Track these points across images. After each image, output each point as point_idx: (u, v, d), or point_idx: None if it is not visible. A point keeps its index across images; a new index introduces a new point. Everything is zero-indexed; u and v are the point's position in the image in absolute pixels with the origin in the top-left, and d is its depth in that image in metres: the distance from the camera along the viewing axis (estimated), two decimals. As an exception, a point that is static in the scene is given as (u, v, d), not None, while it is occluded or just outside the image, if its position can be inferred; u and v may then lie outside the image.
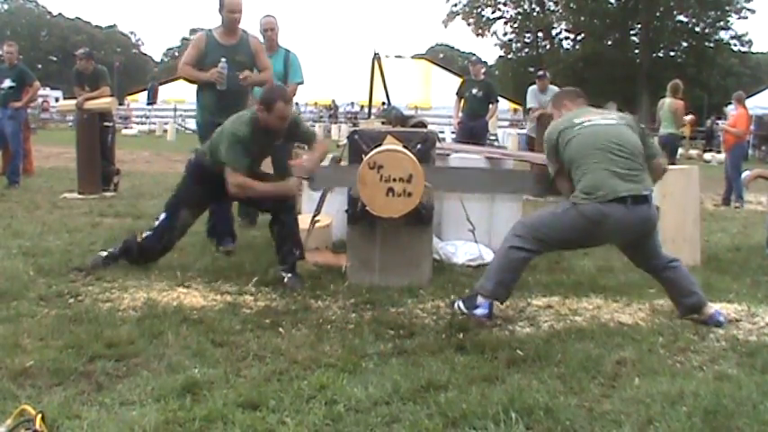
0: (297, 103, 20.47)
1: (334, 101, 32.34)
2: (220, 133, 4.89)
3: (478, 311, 4.08)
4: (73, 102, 10.00)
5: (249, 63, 5.89)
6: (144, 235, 5.09)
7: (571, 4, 45.99)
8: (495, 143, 20.40)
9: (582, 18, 46.26)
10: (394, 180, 4.51)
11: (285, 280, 4.78)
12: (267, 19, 7.08)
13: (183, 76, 5.95)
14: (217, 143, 4.87)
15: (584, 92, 4.70)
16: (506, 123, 30.06)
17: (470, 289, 4.39)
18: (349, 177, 4.80)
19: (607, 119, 4.29)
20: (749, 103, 14.94)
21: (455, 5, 48.88)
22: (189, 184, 5.15)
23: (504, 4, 48.97)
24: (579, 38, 47.92)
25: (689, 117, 13.52)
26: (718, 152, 17.72)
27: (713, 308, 4.26)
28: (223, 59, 5.63)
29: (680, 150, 12.09)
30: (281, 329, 3.84)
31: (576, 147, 4.14)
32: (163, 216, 5.09)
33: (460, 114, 11.84)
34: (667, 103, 11.66)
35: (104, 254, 5.10)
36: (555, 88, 11.47)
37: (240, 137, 4.79)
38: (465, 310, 4.13)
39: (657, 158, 4.47)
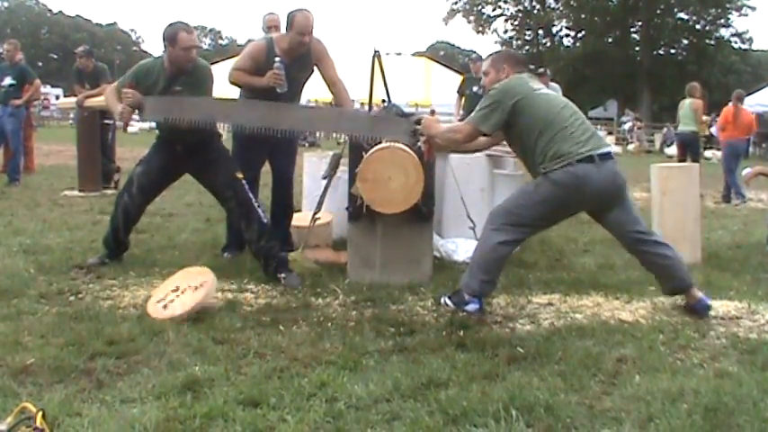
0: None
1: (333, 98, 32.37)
2: None
3: (470, 307, 4.08)
4: (73, 99, 10.00)
5: (306, 77, 5.65)
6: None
7: (571, 2, 45.98)
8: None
9: (582, 15, 46.25)
10: (394, 176, 4.52)
11: (282, 280, 4.77)
12: (271, 16, 7.07)
13: (235, 82, 5.52)
14: None
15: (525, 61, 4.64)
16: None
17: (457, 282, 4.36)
18: (176, 108, 4.80)
19: (546, 88, 4.30)
20: (750, 100, 14.94)
21: (455, 3, 48.89)
22: (149, 151, 5.26)
23: (505, 2, 48.95)
24: (580, 35, 47.93)
25: (705, 117, 13.78)
26: (719, 149, 17.77)
27: (699, 292, 4.30)
28: (277, 59, 5.27)
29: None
30: (281, 327, 3.84)
31: (539, 114, 4.06)
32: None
33: (461, 112, 11.84)
34: (689, 102, 11.96)
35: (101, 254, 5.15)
36: (555, 85, 11.48)
37: (140, 64, 5.10)
38: (454, 307, 4.13)
39: None
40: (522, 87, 4.15)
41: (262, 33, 7.06)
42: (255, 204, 4.97)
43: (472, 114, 4.22)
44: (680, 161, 11.78)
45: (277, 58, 5.25)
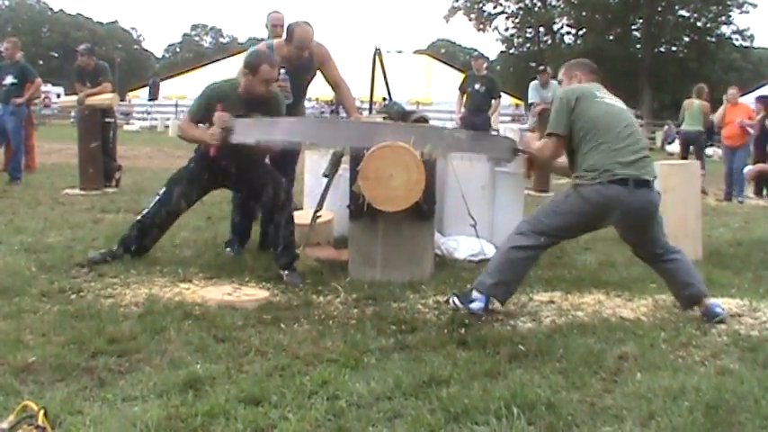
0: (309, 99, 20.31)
1: (335, 96, 32.30)
2: None
3: (474, 305, 4.08)
4: (74, 98, 10.01)
5: (309, 81, 5.69)
6: (143, 212, 5.17)
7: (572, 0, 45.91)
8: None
9: (583, 13, 46.16)
10: (396, 174, 4.52)
11: (284, 278, 4.78)
12: (276, 15, 7.09)
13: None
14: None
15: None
16: (508, 119, 30.02)
17: (471, 285, 4.38)
18: (269, 130, 4.77)
19: (619, 103, 4.24)
20: (751, 98, 14.99)
21: (456, 1, 48.79)
22: (190, 167, 5.18)
23: (506, -1, 48.91)
24: (581, 33, 47.83)
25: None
26: (719, 146, 17.80)
27: (711, 300, 4.23)
28: (282, 69, 5.28)
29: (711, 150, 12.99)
30: (282, 325, 3.84)
31: (590, 118, 4.07)
32: (161, 191, 5.16)
33: (463, 109, 11.84)
34: (698, 104, 12.70)
35: (104, 251, 5.13)
36: (556, 83, 11.46)
37: (211, 89, 4.93)
38: (460, 305, 4.13)
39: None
40: (584, 90, 4.20)
41: (265, 31, 7.08)
42: (291, 194, 5.07)
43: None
44: (683, 159, 12.01)
45: (282, 70, 5.27)
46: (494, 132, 13.82)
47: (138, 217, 5.18)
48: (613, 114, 4.11)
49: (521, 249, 4.08)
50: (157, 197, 5.13)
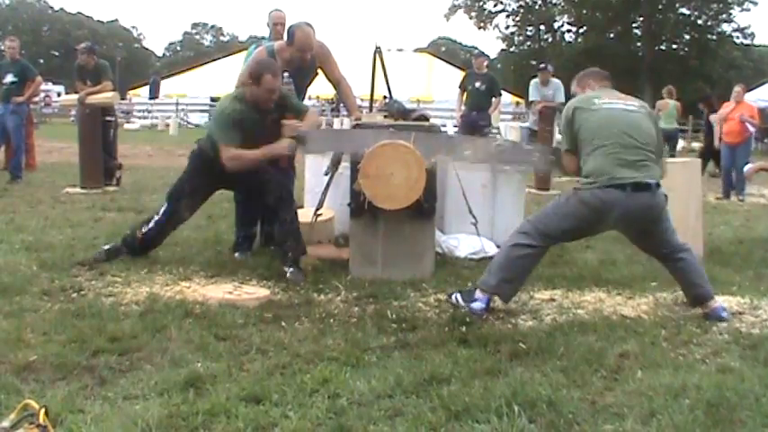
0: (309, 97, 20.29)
1: (336, 95, 32.29)
2: (213, 116, 4.94)
3: (475, 305, 4.09)
4: (75, 97, 10.00)
5: (310, 81, 5.70)
6: (144, 230, 5.10)
7: (573, -3, 45.88)
8: (498, 137, 20.35)
9: (584, 11, 46.14)
10: (396, 172, 4.52)
11: (288, 274, 4.78)
12: (277, 13, 7.08)
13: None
14: (212, 127, 4.91)
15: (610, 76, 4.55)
16: (509, 116, 30.00)
17: (472, 282, 4.39)
18: (343, 141, 4.78)
19: (628, 104, 4.21)
20: (752, 95, 15.13)
21: (457, -1, 48.77)
22: (190, 175, 5.16)
23: (507, -3, 48.85)
24: (581, 31, 47.82)
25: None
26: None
27: (718, 302, 4.23)
28: (285, 73, 5.30)
29: (682, 143, 13.79)
30: (283, 323, 3.84)
31: (588, 127, 4.09)
32: (164, 207, 5.13)
33: (463, 107, 11.83)
34: (672, 104, 14.70)
35: (107, 247, 5.13)
36: (557, 81, 11.46)
37: (228, 113, 4.86)
38: (462, 303, 4.14)
39: (662, 158, 4.46)
40: (581, 100, 4.22)
41: (266, 30, 7.06)
42: (292, 189, 5.10)
43: None
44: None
45: (285, 74, 5.28)
46: (494, 130, 13.85)
47: (139, 235, 5.12)
48: (613, 118, 4.10)
49: (523, 248, 4.09)
50: (162, 212, 5.11)
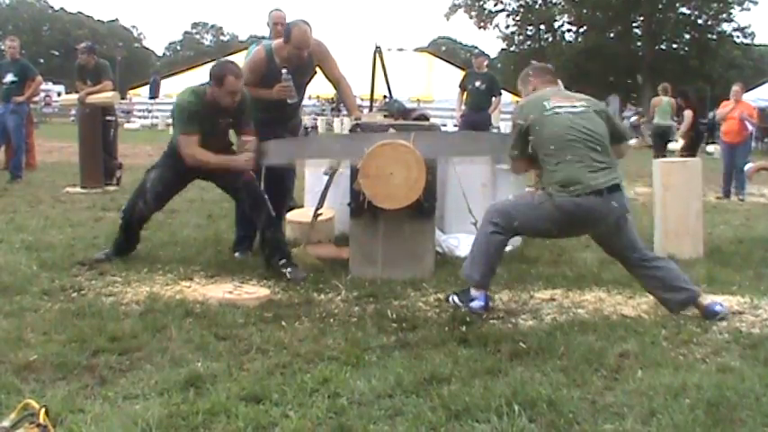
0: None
1: (336, 94, 32.28)
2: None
3: (475, 304, 4.08)
4: (75, 96, 10.00)
5: (309, 80, 5.70)
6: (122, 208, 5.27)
7: (573, -3, 45.84)
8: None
9: (584, 10, 46.07)
10: (396, 172, 4.52)
11: (287, 274, 4.78)
12: (277, 13, 7.08)
13: None
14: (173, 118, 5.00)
15: (553, 70, 4.61)
16: (509, 116, 29.97)
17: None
18: (300, 150, 4.76)
19: (576, 105, 4.15)
20: (752, 95, 15.16)
21: (457, -2, 48.71)
22: (164, 157, 5.23)
23: (507, -4, 48.79)
24: (581, 30, 47.76)
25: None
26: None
27: (708, 298, 4.20)
28: (284, 71, 5.28)
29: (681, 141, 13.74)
30: (283, 323, 3.84)
31: (547, 135, 4.03)
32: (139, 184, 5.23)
33: (463, 107, 11.83)
34: (666, 100, 14.68)
35: (107, 250, 5.15)
36: (558, 82, 11.44)
37: (185, 106, 4.93)
38: (460, 304, 4.13)
39: (626, 143, 4.50)
40: (532, 108, 4.16)
41: (266, 30, 7.06)
42: (264, 195, 5.04)
43: None
44: (656, 151, 13.80)
45: (284, 71, 5.28)
46: (494, 130, 13.85)
47: (120, 215, 5.24)
48: (567, 127, 4.03)
49: (499, 234, 4.09)
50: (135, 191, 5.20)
